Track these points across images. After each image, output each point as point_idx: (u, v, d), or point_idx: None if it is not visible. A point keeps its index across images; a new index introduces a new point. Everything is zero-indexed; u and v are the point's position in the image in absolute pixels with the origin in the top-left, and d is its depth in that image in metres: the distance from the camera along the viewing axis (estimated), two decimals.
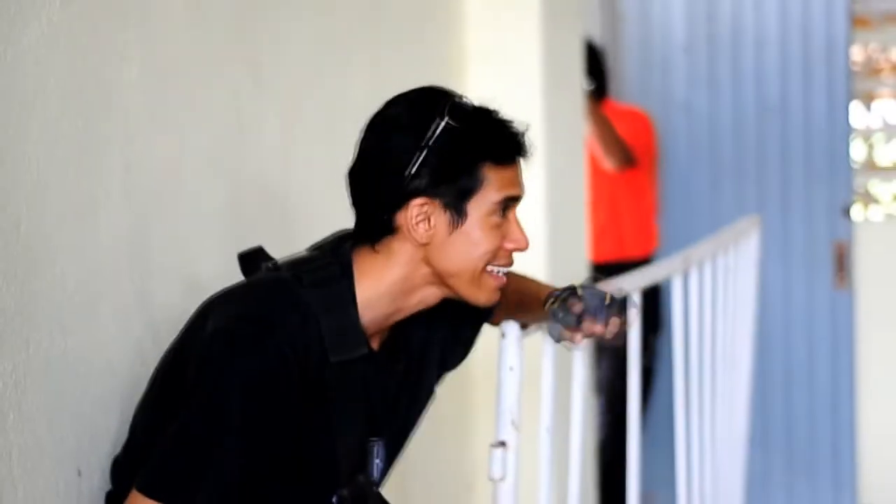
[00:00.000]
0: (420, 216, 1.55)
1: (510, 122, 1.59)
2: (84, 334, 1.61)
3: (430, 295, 1.61)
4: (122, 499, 1.53)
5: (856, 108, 4.45)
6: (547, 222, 3.03)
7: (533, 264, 2.80)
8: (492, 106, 1.59)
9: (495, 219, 1.57)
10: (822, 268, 4.22)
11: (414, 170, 1.53)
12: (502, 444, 1.77)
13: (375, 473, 1.66)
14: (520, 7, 3.00)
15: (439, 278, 1.59)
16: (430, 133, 1.53)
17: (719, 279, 2.77)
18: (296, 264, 1.58)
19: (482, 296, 1.60)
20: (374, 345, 1.62)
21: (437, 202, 1.55)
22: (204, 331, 1.53)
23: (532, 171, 2.91)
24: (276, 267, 1.59)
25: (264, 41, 2.12)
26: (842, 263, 4.20)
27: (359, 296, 1.57)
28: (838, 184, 4.19)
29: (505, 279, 1.62)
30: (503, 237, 1.58)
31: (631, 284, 2.29)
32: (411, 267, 1.58)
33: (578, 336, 1.69)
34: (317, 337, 1.53)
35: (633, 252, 4.01)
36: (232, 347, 1.50)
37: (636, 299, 2.26)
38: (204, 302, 1.60)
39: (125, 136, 1.70)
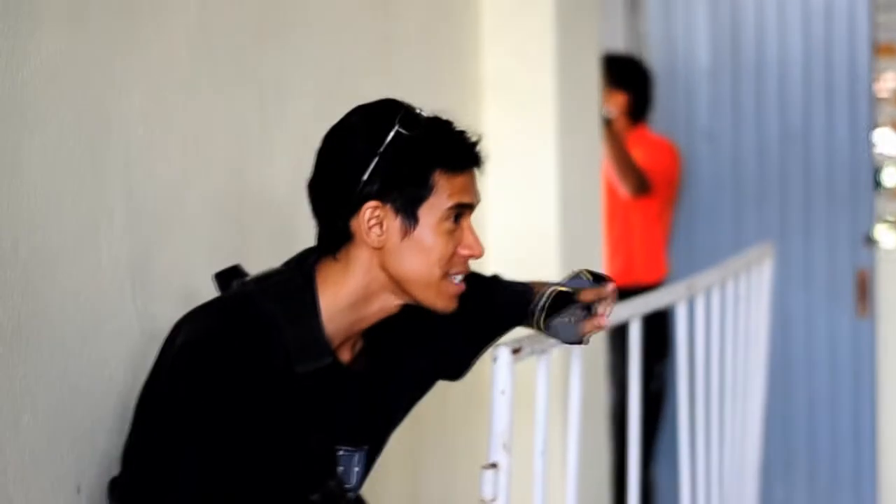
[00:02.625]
0: (373, 220, 1.60)
1: (463, 131, 1.64)
2: (84, 355, 1.66)
3: (388, 302, 1.66)
4: None
5: (887, 135, 4.42)
6: (561, 243, 3.03)
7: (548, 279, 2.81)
8: (446, 116, 1.65)
9: (448, 225, 1.62)
10: (844, 296, 4.21)
11: (367, 175, 1.59)
12: (493, 465, 1.80)
13: (354, 480, 1.71)
14: (535, 35, 3.02)
15: (397, 284, 1.63)
16: (383, 140, 1.59)
17: (728, 307, 2.78)
18: (262, 279, 1.64)
19: (440, 302, 1.65)
20: (346, 355, 1.68)
21: (389, 207, 1.60)
22: (173, 347, 1.60)
23: (547, 186, 2.94)
24: (245, 283, 1.65)
25: (271, 70, 2.15)
26: (864, 292, 4.19)
27: (322, 305, 1.62)
28: (861, 212, 4.18)
29: (463, 286, 1.67)
30: (456, 244, 1.63)
31: (633, 310, 2.32)
32: (370, 274, 1.63)
33: (600, 319, 1.73)
34: (281, 348, 1.59)
35: (642, 277, 4.01)
36: (193, 362, 1.56)
37: (637, 325, 2.29)
38: (177, 321, 1.65)
39: (126, 162, 1.75)
